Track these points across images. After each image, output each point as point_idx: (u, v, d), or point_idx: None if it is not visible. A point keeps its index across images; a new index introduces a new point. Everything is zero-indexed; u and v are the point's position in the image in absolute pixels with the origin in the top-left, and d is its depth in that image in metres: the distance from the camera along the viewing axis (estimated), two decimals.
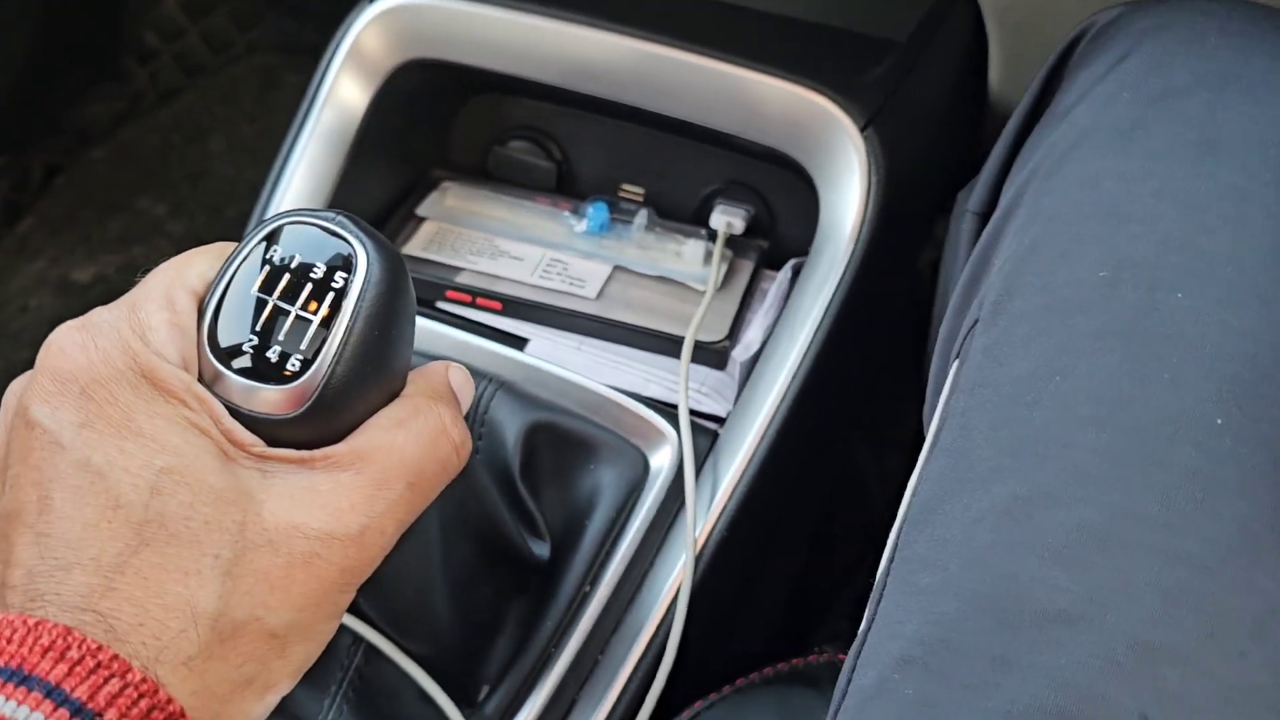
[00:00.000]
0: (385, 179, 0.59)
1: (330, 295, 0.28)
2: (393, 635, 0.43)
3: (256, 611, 0.27)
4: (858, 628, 0.35)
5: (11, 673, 0.24)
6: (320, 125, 0.55)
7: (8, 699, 0.23)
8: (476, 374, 0.49)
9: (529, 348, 0.54)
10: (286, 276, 0.29)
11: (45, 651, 0.24)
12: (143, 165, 1.04)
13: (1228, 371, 0.31)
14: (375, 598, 0.39)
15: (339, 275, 0.28)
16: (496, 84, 0.58)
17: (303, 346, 0.28)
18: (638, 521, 0.46)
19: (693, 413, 0.50)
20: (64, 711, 0.24)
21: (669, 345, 0.53)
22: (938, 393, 0.40)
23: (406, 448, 0.30)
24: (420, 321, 0.52)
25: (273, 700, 0.29)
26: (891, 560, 0.35)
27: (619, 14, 0.53)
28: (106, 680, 0.24)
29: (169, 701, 0.25)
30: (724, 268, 0.56)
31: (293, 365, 0.28)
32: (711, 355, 0.53)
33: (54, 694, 0.24)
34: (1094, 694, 0.28)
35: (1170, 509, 0.30)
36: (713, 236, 0.57)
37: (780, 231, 0.59)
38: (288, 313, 0.28)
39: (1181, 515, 0.29)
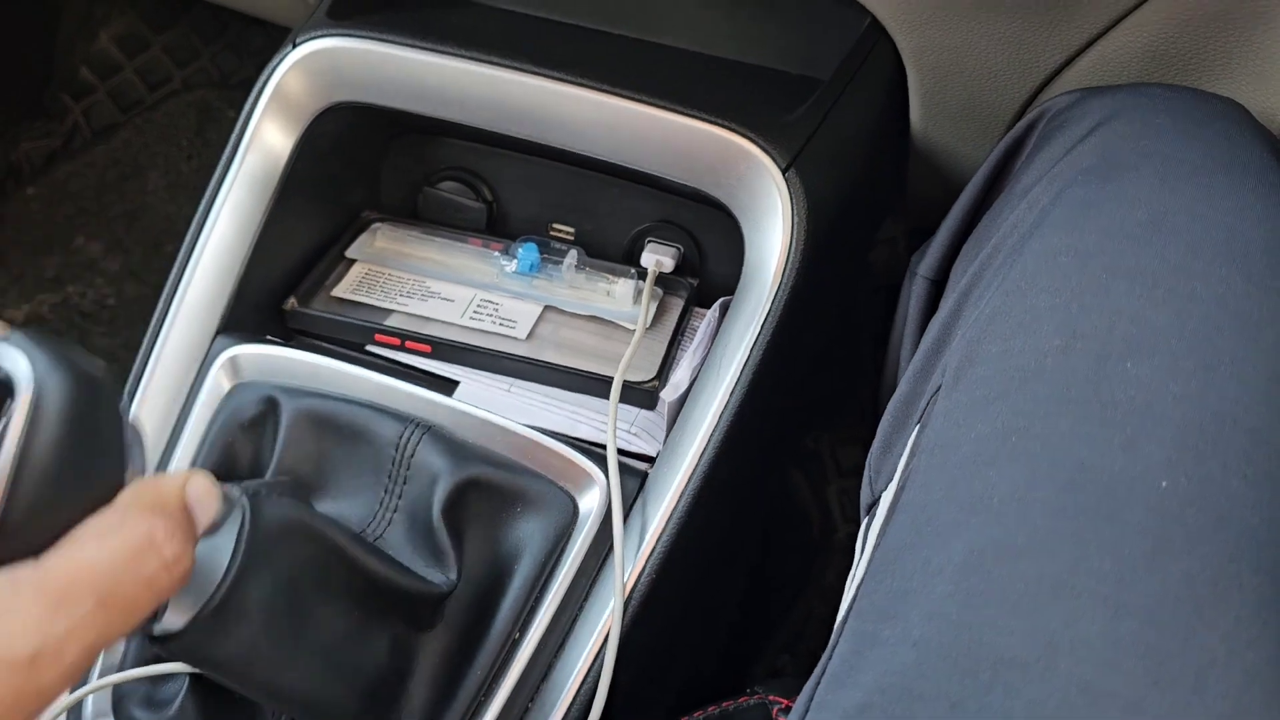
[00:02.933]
0: (314, 220, 0.59)
1: None
2: (278, 710, 0.42)
3: None
4: (796, 662, 0.36)
5: None
6: (245, 169, 0.54)
7: None
8: (403, 419, 0.49)
9: (459, 391, 0.54)
10: None
11: None
12: (78, 203, 1.02)
13: (1174, 437, 0.33)
14: (239, 680, 0.38)
15: (4, 406, 0.27)
16: (423, 126, 0.58)
17: None
18: (566, 566, 0.46)
19: (623, 453, 0.50)
20: None
21: (599, 386, 0.53)
22: (888, 451, 0.42)
23: (100, 562, 0.28)
24: (347, 368, 0.52)
25: None
26: (849, 611, 0.36)
27: (542, 57, 0.53)
28: None
29: None
30: (654, 306, 0.56)
31: None
32: (641, 395, 0.53)
33: None
34: None
35: (1121, 564, 0.31)
36: (643, 275, 0.57)
37: (710, 269, 0.59)
38: None
39: (1131, 570, 0.31)
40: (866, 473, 0.45)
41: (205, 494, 0.32)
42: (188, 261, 0.54)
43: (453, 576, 0.45)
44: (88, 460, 0.28)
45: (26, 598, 0.26)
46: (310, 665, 0.38)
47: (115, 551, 0.28)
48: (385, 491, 0.47)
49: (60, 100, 1.04)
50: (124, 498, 0.30)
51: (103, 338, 0.97)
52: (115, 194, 1.03)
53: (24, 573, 0.27)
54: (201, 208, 0.55)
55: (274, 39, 0.56)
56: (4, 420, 0.26)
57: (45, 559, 0.27)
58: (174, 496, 0.31)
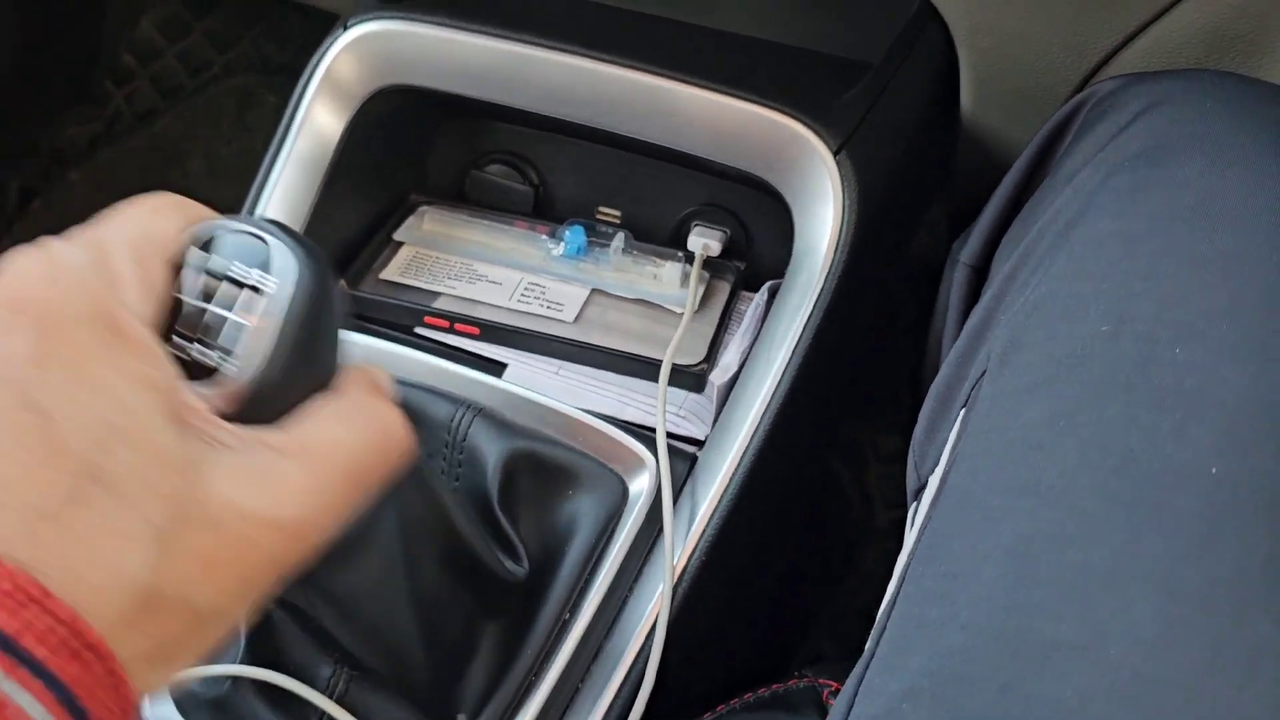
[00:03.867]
0: (362, 203, 0.59)
1: (257, 298, 0.29)
2: (362, 655, 0.42)
3: (184, 590, 0.25)
4: (839, 648, 0.36)
5: None
6: (295, 152, 0.55)
7: None
8: (455, 400, 0.50)
9: (507, 373, 0.54)
10: (215, 280, 0.29)
11: None
12: (120, 188, 1.03)
13: (1225, 423, 0.33)
14: (342, 615, 0.39)
15: (266, 279, 0.29)
16: (472, 109, 0.59)
17: (232, 348, 0.29)
18: (616, 548, 0.46)
19: (671, 436, 0.50)
20: None
21: (647, 369, 0.53)
22: (932, 435, 0.42)
23: (349, 443, 0.29)
24: (399, 349, 0.52)
25: (172, 676, 0.27)
26: (896, 595, 0.36)
27: (593, 40, 0.53)
28: (27, 609, 0.22)
29: (93, 642, 0.23)
30: (701, 290, 0.56)
31: (222, 365, 0.29)
32: (689, 378, 0.53)
33: None
34: (1097, 719, 0.29)
35: (1172, 550, 0.31)
36: (689, 259, 0.57)
37: (757, 253, 0.59)
38: (217, 315, 0.29)
39: (1182, 556, 0.31)
40: (911, 457, 0.45)
41: (391, 386, 0.33)
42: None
43: (524, 567, 0.45)
44: (322, 341, 0.30)
45: (290, 468, 0.28)
46: (407, 618, 0.39)
47: (362, 434, 0.29)
48: (442, 473, 0.47)
49: (103, 86, 1.05)
50: (351, 383, 0.31)
51: None
52: (157, 178, 1.04)
53: (276, 439, 0.28)
54: (253, 191, 0.55)
55: (314, 24, 0.56)
56: (260, 293, 0.29)
57: (302, 435, 0.29)
58: (386, 385, 0.32)
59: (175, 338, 0.29)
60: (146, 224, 0.30)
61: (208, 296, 0.29)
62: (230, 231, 0.30)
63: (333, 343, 0.31)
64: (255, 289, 0.29)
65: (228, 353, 0.29)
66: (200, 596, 0.26)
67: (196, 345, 0.29)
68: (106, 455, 0.25)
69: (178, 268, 0.30)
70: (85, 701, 0.23)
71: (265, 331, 0.29)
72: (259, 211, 0.55)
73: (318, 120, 0.55)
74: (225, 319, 0.29)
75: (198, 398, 0.28)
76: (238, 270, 0.29)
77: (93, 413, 0.25)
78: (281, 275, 0.29)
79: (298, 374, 0.29)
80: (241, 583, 0.27)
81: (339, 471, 0.29)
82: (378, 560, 0.36)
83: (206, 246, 0.30)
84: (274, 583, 0.28)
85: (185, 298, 0.29)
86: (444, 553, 0.40)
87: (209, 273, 0.30)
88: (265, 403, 0.29)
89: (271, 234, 0.30)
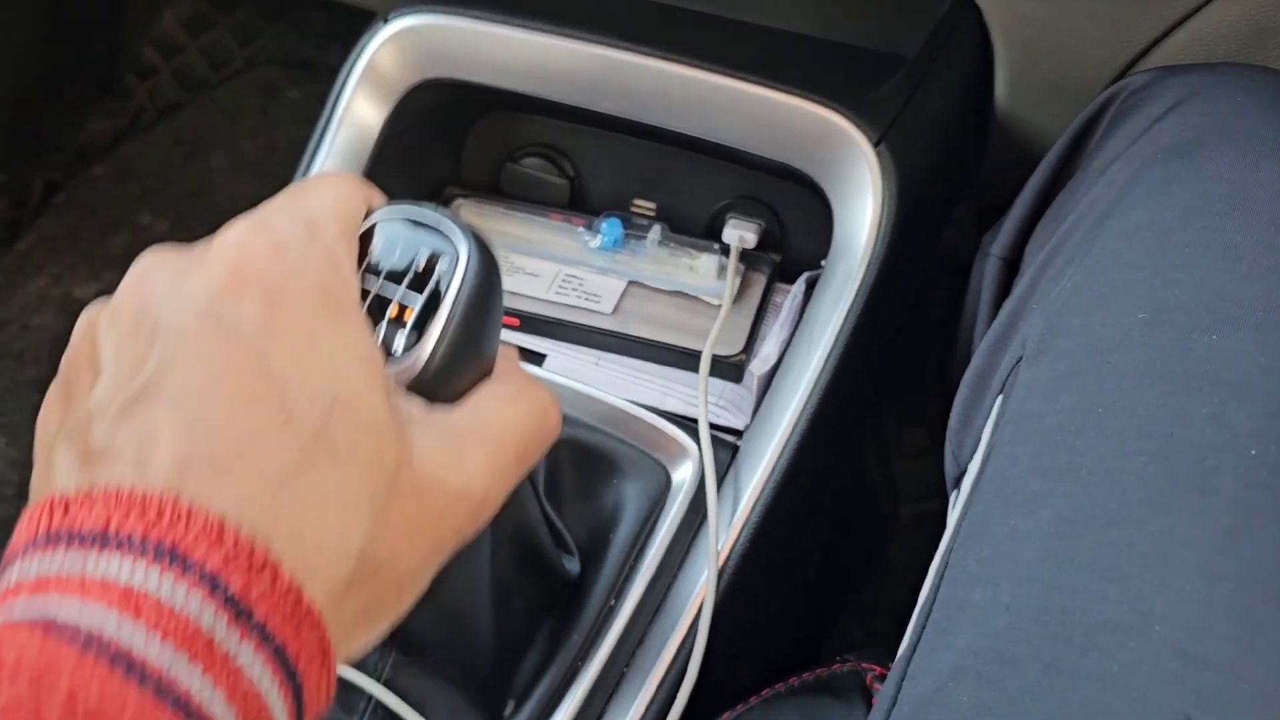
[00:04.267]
0: (399, 196, 0.59)
1: (432, 283, 0.30)
2: (430, 635, 0.43)
3: (393, 556, 0.27)
4: (869, 637, 0.37)
5: (166, 551, 0.23)
6: (337, 143, 0.55)
7: (163, 574, 0.22)
8: None
9: (547, 363, 0.54)
10: (392, 265, 0.31)
11: (199, 537, 0.23)
12: (144, 182, 1.04)
13: (1263, 408, 0.33)
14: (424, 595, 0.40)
15: (439, 265, 0.30)
16: (510, 102, 0.59)
17: (408, 331, 0.30)
18: (660, 535, 0.47)
19: (711, 426, 0.50)
20: (218, 598, 0.23)
21: (686, 359, 0.54)
22: (968, 423, 0.42)
23: (519, 422, 0.31)
24: None
25: (375, 638, 0.29)
26: (940, 578, 0.36)
27: (631, 32, 0.54)
28: (256, 575, 0.23)
29: (310, 612, 0.24)
30: (738, 281, 0.57)
31: (398, 347, 0.30)
32: (728, 369, 0.53)
33: (208, 579, 0.23)
34: (1142, 696, 0.30)
35: (1213, 532, 0.32)
36: (725, 251, 0.57)
37: (792, 245, 0.59)
38: (392, 300, 0.30)
39: (1223, 538, 0.31)
40: (948, 447, 0.46)
41: None
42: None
43: (577, 563, 0.46)
44: (489, 327, 0.32)
45: (473, 446, 0.29)
46: (484, 601, 0.39)
47: (526, 415, 0.31)
48: None
49: (126, 80, 1.06)
50: (508, 370, 0.32)
51: None
52: (179, 172, 1.04)
53: (456, 419, 0.30)
54: (295, 181, 0.56)
55: (336, 17, 0.57)
56: (435, 278, 0.30)
57: (475, 415, 0.30)
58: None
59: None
60: (344, 202, 0.31)
61: (390, 279, 0.30)
62: (404, 218, 0.31)
63: (497, 328, 0.32)
64: (432, 275, 0.30)
65: (410, 335, 0.30)
66: (404, 563, 0.27)
67: (383, 326, 0.30)
68: (333, 426, 0.26)
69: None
70: (301, 673, 0.24)
71: (443, 316, 0.30)
72: None
73: (358, 113, 0.56)
74: (406, 303, 0.30)
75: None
76: (407, 254, 0.30)
77: (320, 383, 0.26)
78: (456, 263, 0.30)
79: (469, 357, 0.31)
80: (436, 551, 0.28)
81: (510, 451, 0.30)
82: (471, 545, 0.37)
83: (375, 231, 0.31)
84: (451, 552, 0.29)
85: (369, 280, 0.31)
86: (520, 545, 0.41)
87: (376, 255, 0.31)
88: (440, 385, 0.30)
89: (445, 222, 0.31)
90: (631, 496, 0.48)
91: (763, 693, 0.45)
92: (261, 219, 0.29)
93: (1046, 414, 0.37)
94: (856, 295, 0.50)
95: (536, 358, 0.54)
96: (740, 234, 0.58)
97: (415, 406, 0.29)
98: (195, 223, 1.03)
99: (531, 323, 0.55)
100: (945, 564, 0.38)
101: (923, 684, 0.34)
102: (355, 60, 0.55)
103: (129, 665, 0.21)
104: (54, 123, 1.03)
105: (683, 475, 0.48)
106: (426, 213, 0.32)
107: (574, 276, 0.57)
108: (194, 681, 0.22)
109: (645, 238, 0.58)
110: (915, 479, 0.80)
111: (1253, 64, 0.48)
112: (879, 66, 0.55)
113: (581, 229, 0.59)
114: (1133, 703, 0.30)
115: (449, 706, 0.44)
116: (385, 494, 0.26)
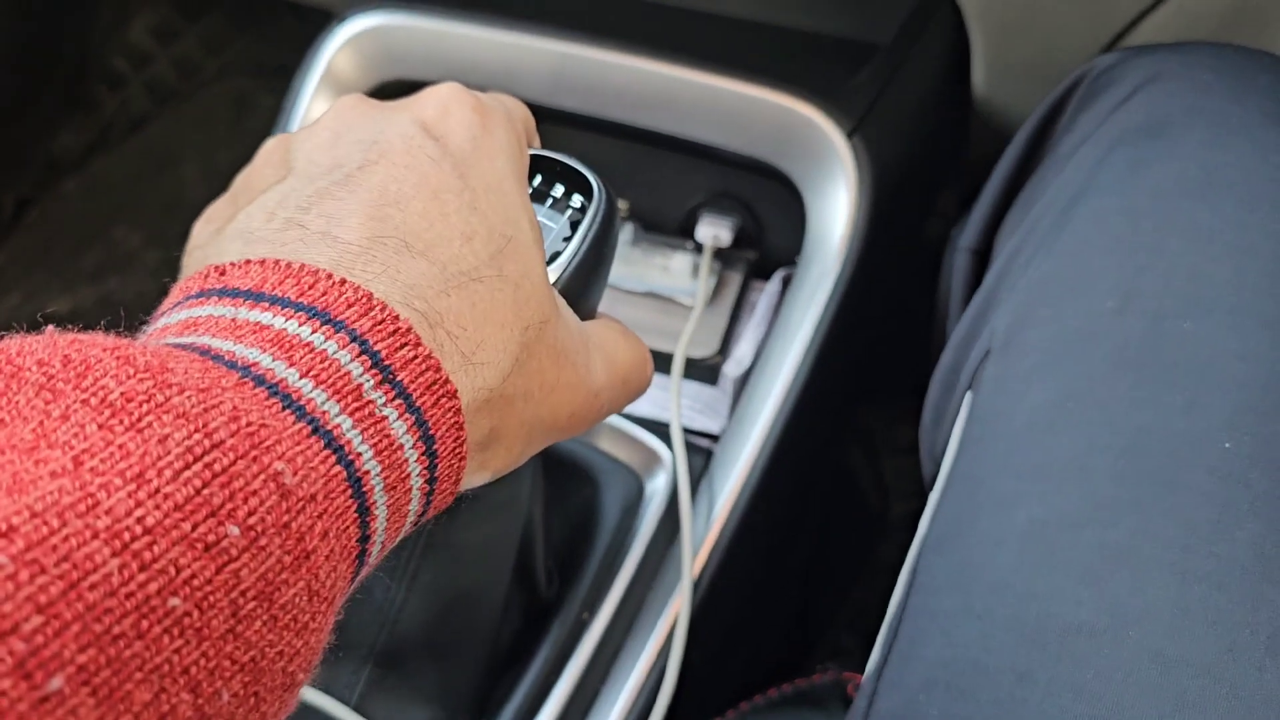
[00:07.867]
0: None
1: (570, 211, 0.32)
2: (411, 650, 0.42)
3: (525, 398, 0.27)
4: (859, 641, 0.36)
5: (318, 311, 0.23)
6: None
7: (314, 330, 0.23)
8: None
9: None
10: (536, 186, 0.33)
11: (350, 304, 0.24)
12: (116, 195, 1.02)
13: (1237, 396, 0.32)
14: (440, 566, 0.40)
15: (578, 198, 0.33)
16: None
17: (552, 250, 0.31)
18: (634, 547, 0.45)
19: (685, 430, 0.49)
20: (366, 360, 0.23)
21: (659, 362, 0.52)
22: (940, 420, 0.41)
23: (631, 353, 0.32)
24: None
25: (483, 478, 0.29)
26: (909, 587, 0.35)
27: (596, 28, 0.52)
28: (401, 346, 0.24)
29: (449, 389, 0.24)
30: (713, 281, 0.55)
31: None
32: (703, 371, 0.52)
33: (358, 339, 0.23)
34: (1118, 704, 0.29)
35: (1187, 530, 0.31)
36: (699, 249, 0.56)
37: (768, 242, 0.58)
38: (544, 220, 0.32)
39: (1198, 536, 0.31)
40: (922, 446, 0.44)
41: None
42: None
43: (555, 582, 0.45)
44: (609, 262, 0.34)
45: (596, 351, 0.30)
46: (500, 592, 0.40)
47: (636, 353, 0.33)
48: None
49: (96, 92, 1.04)
50: (609, 317, 0.34)
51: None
52: (151, 185, 1.03)
53: (582, 324, 0.31)
54: None
55: (309, 24, 0.55)
56: (573, 207, 0.32)
57: (594, 334, 0.31)
58: None
59: None
60: (525, 112, 0.33)
61: (533, 199, 0.32)
62: (546, 156, 0.34)
63: (608, 272, 0.34)
64: (565, 201, 0.32)
65: (550, 254, 0.31)
66: (529, 411, 0.27)
67: None
68: (506, 259, 0.27)
69: None
70: (439, 445, 0.24)
71: (579, 239, 0.32)
72: None
73: (317, 116, 0.54)
74: (547, 220, 0.32)
75: None
76: (552, 184, 0.33)
77: (501, 221, 0.27)
78: (593, 199, 0.32)
79: (591, 284, 0.33)
80: (542, 422, 0.28)
81: (620, 375, 0.31)
82: (499, 517, 0.37)
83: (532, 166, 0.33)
84: (543, 443, 0.30)
85: None
86: (521, 556, 0.41)
87: (531, 180, 0.33)
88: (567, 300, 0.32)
89: (581, 165, 0.33)
90: (604, 507, 0.46)
91: (741, 706, 0.44)
92: (464, 90, 0.30)
93: (1016, 410, 0.36)
94: (832, 292, 0.48)
95: None
96: (714, 232, 0.56)
97: (558, 297, 0.30)
98: (170, 235, 1.01)
99: None
100: (914, 571, 0.37)
101: (892, 699, 0.33)
102: (311, 63, 0.54)
103: (286, 398, 0.21)
104: (23, 138, 1.01)
105: (656, 484, 0.47)
106: (571, 158, 0.34)
107: None
108: (344, 426, 0.22)
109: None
110: (908, 475, 0.78)
111: (1220, 42, 0.47)
112: (851, 56, 0.54)
113: None
114: (1109, 712, 0.29)
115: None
116: (535, 335, 0.27)
